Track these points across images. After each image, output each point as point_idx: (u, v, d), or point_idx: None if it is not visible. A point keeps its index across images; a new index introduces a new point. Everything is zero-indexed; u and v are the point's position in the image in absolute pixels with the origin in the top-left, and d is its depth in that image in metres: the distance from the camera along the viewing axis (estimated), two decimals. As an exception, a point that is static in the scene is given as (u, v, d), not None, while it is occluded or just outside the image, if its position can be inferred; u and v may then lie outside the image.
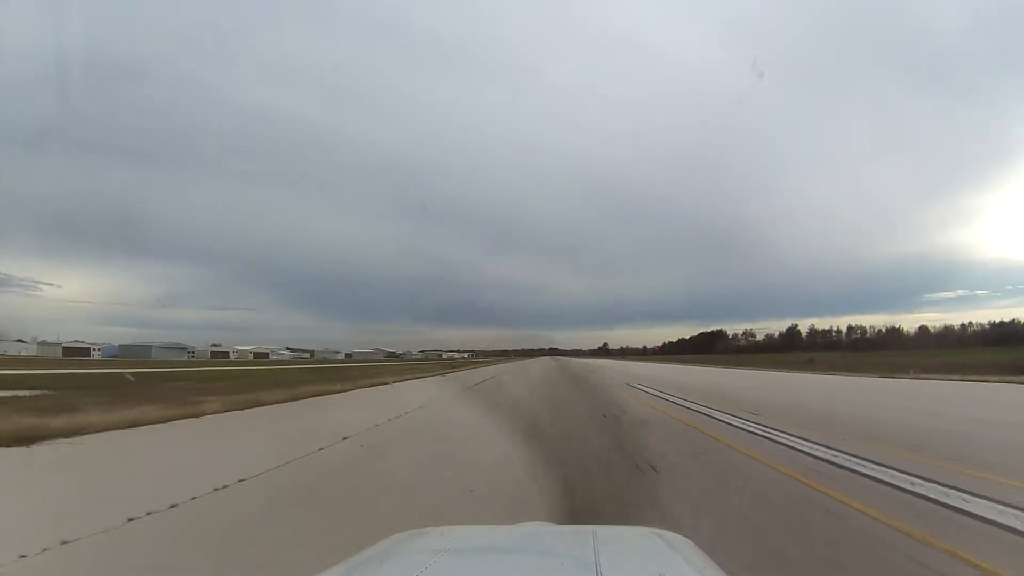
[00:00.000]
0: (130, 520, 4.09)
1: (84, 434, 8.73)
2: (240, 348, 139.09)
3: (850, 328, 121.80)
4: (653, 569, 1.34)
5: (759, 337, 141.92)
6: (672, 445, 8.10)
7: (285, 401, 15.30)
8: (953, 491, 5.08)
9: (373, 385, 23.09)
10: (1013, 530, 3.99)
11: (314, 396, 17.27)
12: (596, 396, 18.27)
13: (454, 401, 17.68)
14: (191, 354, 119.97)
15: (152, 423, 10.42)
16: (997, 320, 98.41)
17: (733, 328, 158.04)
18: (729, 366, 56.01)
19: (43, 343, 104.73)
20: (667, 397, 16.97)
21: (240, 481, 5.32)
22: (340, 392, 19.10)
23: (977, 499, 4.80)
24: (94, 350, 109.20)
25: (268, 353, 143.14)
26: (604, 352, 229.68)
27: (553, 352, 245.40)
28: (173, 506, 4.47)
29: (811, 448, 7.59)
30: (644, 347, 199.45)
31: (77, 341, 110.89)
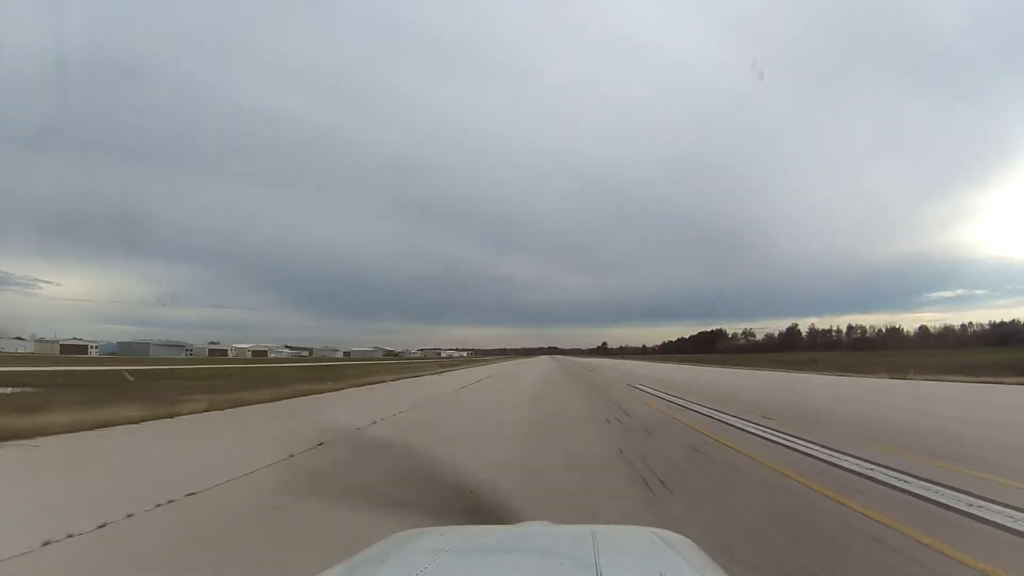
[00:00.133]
0: (46, 544, 3.55)
1: (46, 435, 8.23)
2: (238, 346, 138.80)
3: (850, 328, 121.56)
4: (653, 569, 1.32)
5: (759, 337, 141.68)
6: (683, 456, 7.33)
7: (272, 400, 14.78)
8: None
9: (365, 384, 22.59)
10: None
11: (303, 395, 16.77)
12: (596, 397, 17.73)
13: (446, 401, 17.16)
14: (189, 352, 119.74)
15: (124, 424, 9.91)
16: (997, 320, 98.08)
17: (732, 327, 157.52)
18: (731, 366, 55.44)
19: (41, 341, 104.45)
20: (671, 399, 16.25)
21: (189, 495, 4.77)
22: (330, 392, 18.60)
23: None
24: (92, 348, 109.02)
25: (266, 351, 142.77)
26: (603, 351, 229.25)
27: (552, 351, 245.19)
28: (102, 526, 3.92)
29: (862, 467, 6.24)
30: (643, 346, 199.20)
31: (75, 339, 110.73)
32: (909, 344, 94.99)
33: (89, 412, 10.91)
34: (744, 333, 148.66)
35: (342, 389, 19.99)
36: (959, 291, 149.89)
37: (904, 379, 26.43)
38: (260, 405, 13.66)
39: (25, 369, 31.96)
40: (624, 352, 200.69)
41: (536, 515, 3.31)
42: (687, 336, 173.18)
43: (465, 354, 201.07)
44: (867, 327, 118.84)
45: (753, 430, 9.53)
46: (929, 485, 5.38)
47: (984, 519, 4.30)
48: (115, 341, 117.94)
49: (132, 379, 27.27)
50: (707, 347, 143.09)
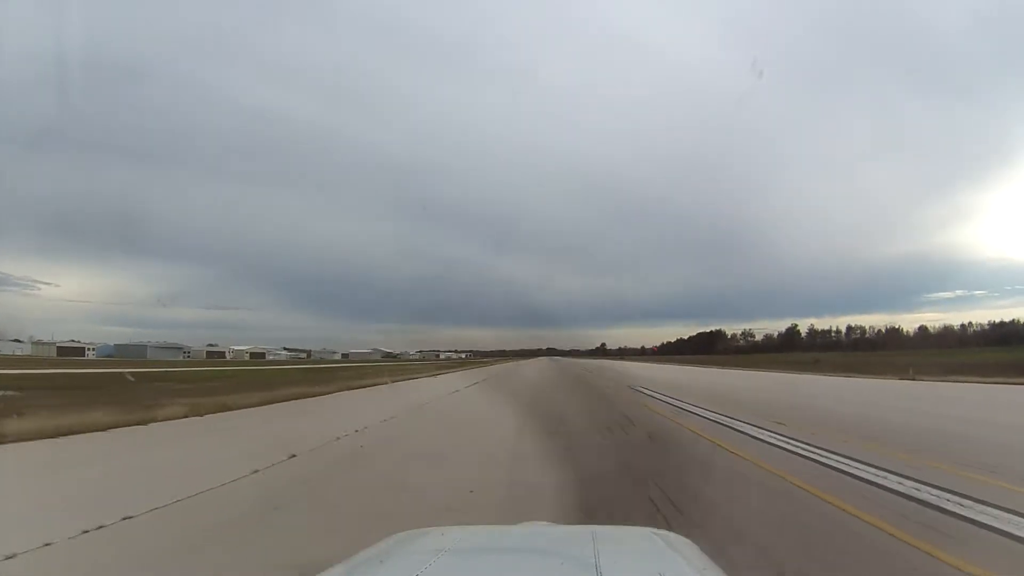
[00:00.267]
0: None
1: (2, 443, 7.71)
2: (236, 348, 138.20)
3: (849, 328, 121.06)
4: (653, 569, 1.33)
5: (758, 337, 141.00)
6: (695, 469, 6.63)
7: (256, 405, 14.22)
8: None
9: (358, 388, 22.04)
10: None
11: (291, 399, 16.23)
12: (596, 401, 17.22)
13: (437, 404, 16.65)
14: (187, 354, 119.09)
15: (90, 431, 9.37)
16: (997, 320, 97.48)
17: (731, 328, 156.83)
18: (731, 367, 54.95)
19: (38, 342, 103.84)
20: (675, 403, 15.56)
21: (125, 519, 4.22)
22: (320, 395, 18.06)
23: None
24: (89, 350, 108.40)
25: (264, 353, 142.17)
26: (602, 352, 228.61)
27: (551, 352, 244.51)
28: (10, 557, 3.38)
29: (931, 495, 5.17)
30: (642, 347, 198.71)
31: (72, 341, 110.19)
32: (910, 344, 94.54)
33: (59, 418, 10.39)
34: (743, 334, 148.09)
35: (332, 393, 19.47)
36: (958, 292, 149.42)
37: (915, 380, 25.77)
38: (243, 411, 13.10)
39: (13, 372, 31.38)
40: (623, 353, 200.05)
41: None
42: (686, 337, 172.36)
43: (464, 356, 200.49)
44: (866, 327, 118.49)
45: (773, 440, 8.59)
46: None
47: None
48: (112, 343, 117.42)
49: (133, 379, 26.77)
50: (706, 348, 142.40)
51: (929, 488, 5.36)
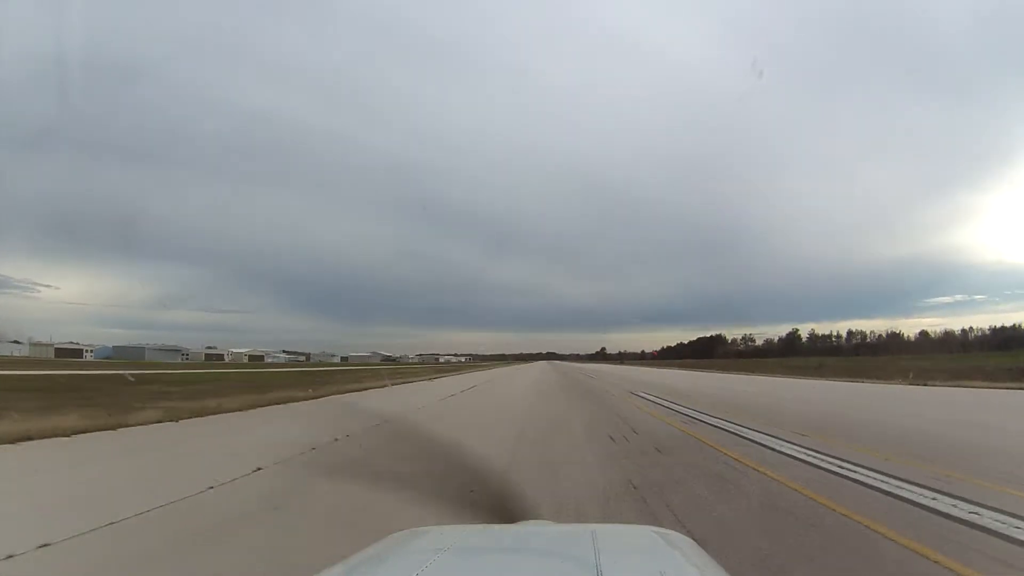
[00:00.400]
0: None
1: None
2: (235, 350, 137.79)
3: (850, 333, 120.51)
4: (653, 568, 1.32)
5: (759, 342, 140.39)
6: (710, 488, 5.68)
7: (239, 410, 13.56)
8: None
9: (348, 391, 21.38)
10: None
11: (276, 404, 15.56)
12: (597, 408, 16.55)
13: (426, 408, 15.99)
14: (185, 356, 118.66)
15: (51, 436, 8.71)
16: (998, 325, 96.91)
17: (731, 332, 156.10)
18: (734, 371, 54.18)
19: (37, 344, 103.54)
20: (681, 410, 14.71)
21: (7, 559, 3.53)
22: (307, 400, 17.40)
23: None
24: (87, 351, 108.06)
25: (263, 356, 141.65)
26: (602, 356, 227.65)
27: (550, 356, 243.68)
28: None
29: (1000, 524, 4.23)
30: (642, 351, 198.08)
31: (71, 342, 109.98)
32: (912, 349, 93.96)
33: (26, 422, 9.78)
34: (744, 338, 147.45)
35: (323, 397, 18.84)
36: (958, 296, 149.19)
37: (927, 385, 24.86)
38: (223, 415, 12.44)
39: (3, 373, 30.78)
40: (623, 357, 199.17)
41: None
42: (686, 341, 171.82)
43: (464, 359, 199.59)
44: (867, 332, 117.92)
45: (798, 454, 7.62)
46: None
47: None
48: (111, 345, 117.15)
49: (132, 380, 26.14)
50: (706, 352, 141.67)
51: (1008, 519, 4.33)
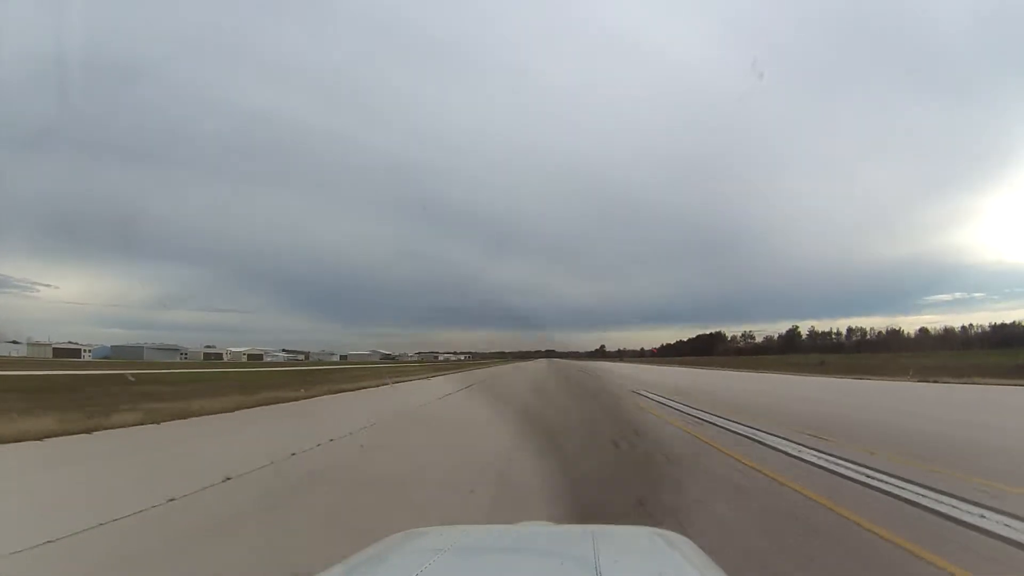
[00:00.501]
0: None
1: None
2: (234, 350, 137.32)
3: (850, 330, 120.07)
4: (653, 568, 1.34)
5: (758, 339, 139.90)
6: (727, 503, 5.07)
7: (224, 411, 13.18)
8: None
9: (342, 391, 20.99)
10: None
11: (266, 404, 15.18)
12: (597, 409, 16.16)
13: (421, 409, 15.62)
14: (184, 356, 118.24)
15: (21, 440, 8.33)
16: (998, 322, 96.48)
17: (731, 330, 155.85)
18: (735, 369, 53.86)
19: (35, 344, 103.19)
20: (687, 410, 14.13)
21: None
22: (299, 400, 17.03)
23: None
24: (85, 351, 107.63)
25: (262, 355, 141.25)
26: (601, 354, 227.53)
27: (550, 354, 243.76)
28: None
29: None
30: (642, 349, 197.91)
31: (69, 342, 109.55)
32: (912, 346, 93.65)
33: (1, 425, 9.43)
34: (743, 336, 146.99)
35: (317, 396, 18.47)
36: (957, 294, 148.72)
37: (935, 383, 24.33)
38: (207, 417, 12.04)
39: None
40: (622, 355, 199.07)
41: None
42: (686, 339, 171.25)
43: (463, 357, 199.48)
44: (867, 329, 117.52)
45: (818, 460, 6.95)
46: None
47: None
48: (109, 345, 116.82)
49: (133, 379, 25.74)
50: (706, 350, 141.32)
51: None
